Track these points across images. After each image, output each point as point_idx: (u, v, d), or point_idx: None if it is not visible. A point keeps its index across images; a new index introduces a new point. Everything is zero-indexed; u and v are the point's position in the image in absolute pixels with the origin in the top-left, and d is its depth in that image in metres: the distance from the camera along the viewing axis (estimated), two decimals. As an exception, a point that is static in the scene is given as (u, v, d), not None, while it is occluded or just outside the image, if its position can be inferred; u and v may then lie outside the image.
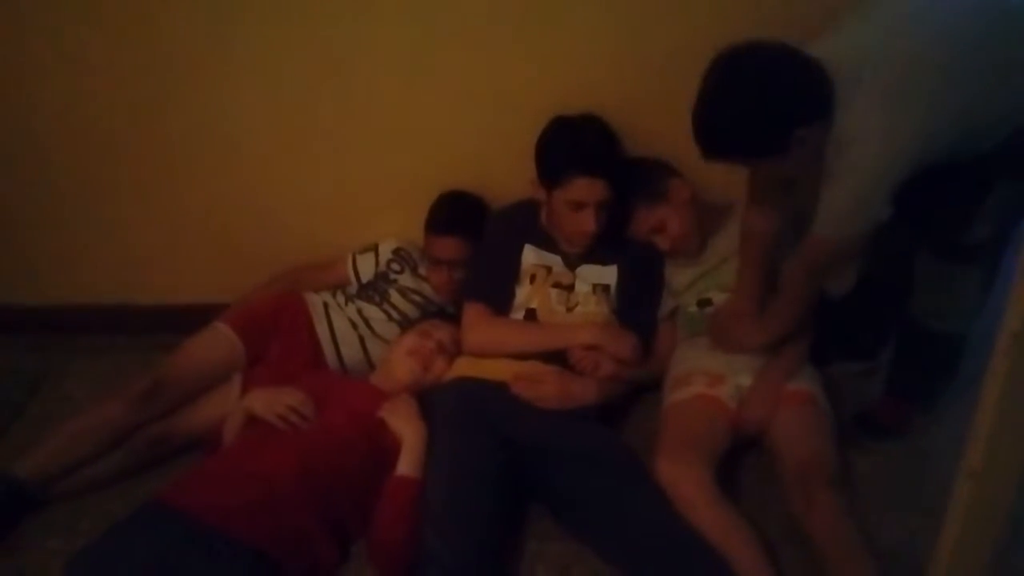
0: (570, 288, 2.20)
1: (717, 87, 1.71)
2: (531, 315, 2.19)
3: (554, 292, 2.20)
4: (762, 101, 1.65)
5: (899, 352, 2.14)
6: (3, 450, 2.19)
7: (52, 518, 1.99)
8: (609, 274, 2.22)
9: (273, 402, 1.96)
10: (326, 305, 2.37)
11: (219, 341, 2.22)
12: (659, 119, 2.22)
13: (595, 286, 2.21)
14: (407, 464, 1.88)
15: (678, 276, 2.26)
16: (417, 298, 2.39)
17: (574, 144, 2.07)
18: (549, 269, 2.21)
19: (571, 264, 2.21)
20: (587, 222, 2.08)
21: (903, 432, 2.10)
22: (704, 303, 2.21)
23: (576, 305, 2.19)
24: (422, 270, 2.42)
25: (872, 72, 1.64)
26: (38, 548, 1.93)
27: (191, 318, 2.32)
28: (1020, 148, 1.71)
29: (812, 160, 1.73)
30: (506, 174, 2.27)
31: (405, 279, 2.40)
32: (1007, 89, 1.67)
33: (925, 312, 1.98)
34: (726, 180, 2.30)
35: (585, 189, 2.04)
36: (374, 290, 2.40)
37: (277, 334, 2.28)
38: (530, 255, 2.22)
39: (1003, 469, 1.06)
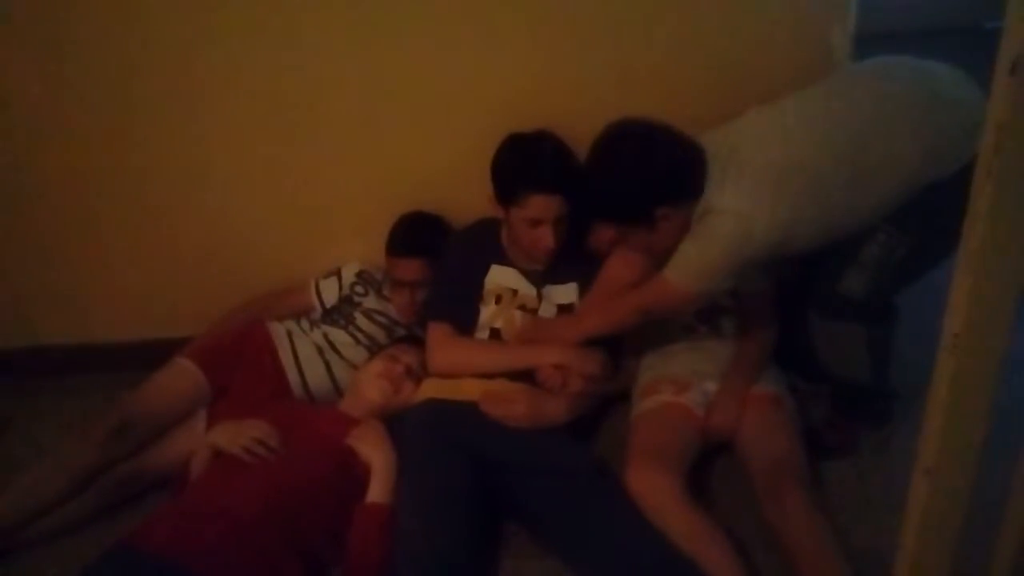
0: (535, 311, 2.21)
1: (597, 157, 1.94)
2: (495, 335, 2.19)
3: (519, 314, 2.20)
4: (632, 178, 1.87)
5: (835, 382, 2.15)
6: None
7: (20, 565, 1.97)
8: (571, 292, 2.22)
9: (238, 435, 1.94)
10: (290, 333, 2.35)
11: (182, 376, 2.20)
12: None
13: (560, 308, 2.21)
14: (377, 490, 1.87)
15: (640, 287, 2.27)
16: (383, 320, 2.38)
17: (528, 162, 2.08)
18: (515, 292, 2.21)
19: (535, 283, 2.22)
20: (545, 238, 2.09)
21: (849, 452, 2.08)
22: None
23: None
24: (386, 292, 2.42)
25: (749, 161, 1.79)
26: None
27: (152, 354, 2.30)
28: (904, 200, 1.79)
29: (677, 237, 1.89)
30: (465, 194, 2.27)
31: (370, 301, 2.40)
32: (873, 195, 1.79)
33: (827, 363, 2.03)
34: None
35: (541, 206, 2.05)
36: (339, 314, 2.40)
37: (240, 365, 2.26)
38: (495, 275, 2.22)
39: (956, 464, 1.08)
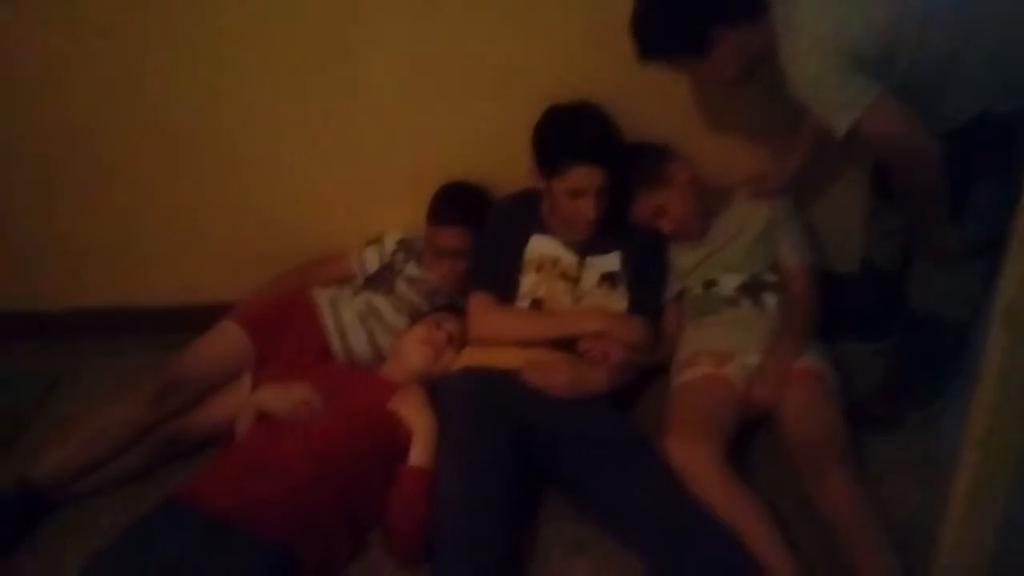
0: (577, 280, 2.21)
1: None
2: (537, 305, 2.20)
3: (561, 283, 2.20)
4: None
5: (901, 342, 2.14)
6: (19, 454, 2.22)
7: (70, 519, 2.02)
8: (614, 261, 2.22)
9: (283, 397, 1.98)
10: (333, 300, 2.38)
11: (228, 339, 2.24)
12: (657, 103, 2.23)
13: (602, 276, 2.21)
14: (418, 454, 1.90)
15: (682, 258, 2.27)
16: (424, 288, 2.40)
17: (570, 133, 2.07)
18: (556, 260, 2.22)
19: (577, 253, 2.22)
20: (587, 210, 2.08)
21: (896, 425, 2.08)
22: (710, 284, 2.22)
23: (583, 297, 2.20)
24: (427, 260, 2.43)
25: None
26: (57, 548, 1.95)
27: (199, 318, 2.34)
28: (991, 145, 1.73)
29: (738, 63, 1.79)
30: (507, 164, 2.27)
31: (411, 269, 2.42)
32: (964, 84, 1.69)
33: (925, 304, 1.99)
34: (726, 162, 2.32)
35: (583, 177, 2.05)
36: (381, 282, 2.42)
37: (285, 331, 2.29)
38: (536, 245, 2.23)
39: (1007, 435, 1.07)
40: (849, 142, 1.70)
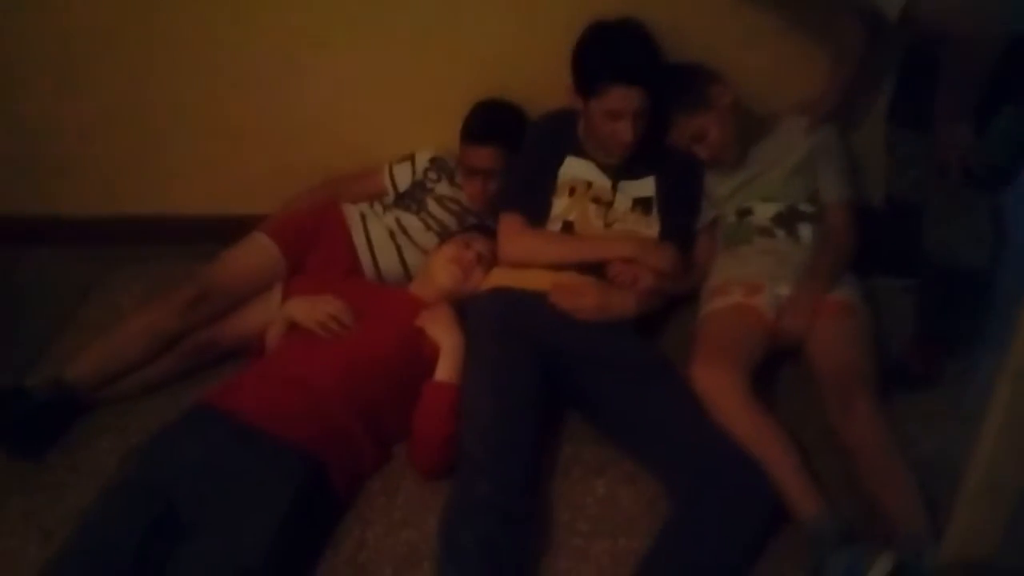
0: (609, 204, 2.18)
1: None
2: (568, 228, 2.18)
3: (593, 207, 2.18)
4: None
5: (922, 293, 2.10)
6: (54, 356, 2.25)
7: (103, 420, 2.06)
8: (648, 186, 2.19)
9: (313, 309, 1.99)
10: (363, 215, 2.38)
11: (260, 250, 2.25)
12: (700, 22, 2.17)
13: (635, 202, 2.18)
14: (445, 370, 1.91)
15: (718, 186, 2.23)
16: (454, 207, 2.38)
17: (611, 52, 2.02)
18: (589, 184, 2.18)
19: (611, 177, 2.18)
20: (624, 132, 2.04)
21: (935, 380, 2.04)
22: (744, 213, 2.18)
23: (614, 222, 2.18)
24: (459, 179, 2.41)
25: None
26: (89, 448, 2.00)
27: (231, 229, 2.35)
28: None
29: None
30: (544, 83, 2.22)
31: (442, 188, 2.40)
32: None
33: (938, 246, 1.94)
34: (768, 87, 2.26)
35: (622, 98, 2.00)
36: (411, 199, 2.40)
37: (316, 244, 2.30)
38: (570, 167, 2.19)
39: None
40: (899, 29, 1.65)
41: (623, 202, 2.18)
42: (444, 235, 2.33)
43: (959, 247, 1.92)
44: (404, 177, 2.44)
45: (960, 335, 2.07)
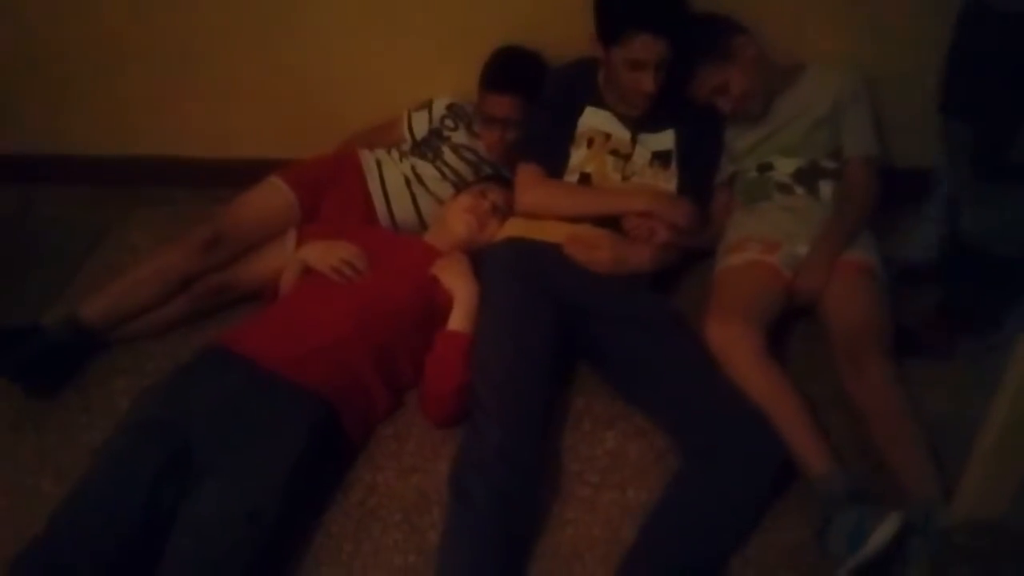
0: (627, 157, 2.15)
1: None
2: (585, 180, 2.16)
3: (611, 159, 2.15)
4: None
5: (949, 270, 2.06)
6: (68, 297, 2.27)
7: (118, 360, 2.09)
8: (667, 139, 2.16)
9: (328, 254, 1.99)
10: (379, 162, 2.36)
11: (275, 194, 2.25)
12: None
13: (653, 155, 2.15)
14: (459, 319, 1.91)
15: (739, 140, 2.19)
16: (470, 156, 2.36)
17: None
18: (608, 136, 2.16)
19: (630, 129, 2.15)
20: (645, 82, 2.01)
21: (944, 356, 1.98)
22: (765, 168, 2.15)
23: (632, 175, 2.15)
24: (476, 127, 2.38)
25: None
26: (103, 387, 2.03)
27: (247, 172, 2.34)
28: None
29: None
30: (566, 31, 2.18)
31: (459, 136, 2.37)
32: None
33: (974, 231, 1.90)
34: (794, 39, 2.21)
35: (645, 47, 1.96)
36: (428, 147, 2.38)
37: (331, 189, 2.29)
38: (589, 118, 2.16)
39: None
40: None
41: (642, 155, 2.15)
42: (460, 185, 2.31)
43: (995, 234, 1.88)
44: (421, 124, 2.42)
45: (981, 315, 2.03)
